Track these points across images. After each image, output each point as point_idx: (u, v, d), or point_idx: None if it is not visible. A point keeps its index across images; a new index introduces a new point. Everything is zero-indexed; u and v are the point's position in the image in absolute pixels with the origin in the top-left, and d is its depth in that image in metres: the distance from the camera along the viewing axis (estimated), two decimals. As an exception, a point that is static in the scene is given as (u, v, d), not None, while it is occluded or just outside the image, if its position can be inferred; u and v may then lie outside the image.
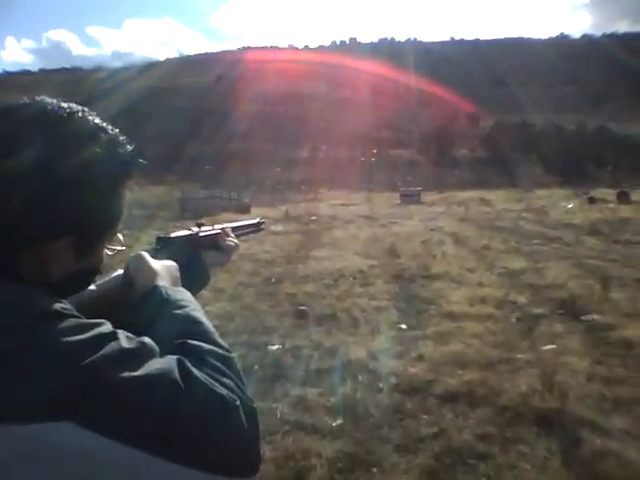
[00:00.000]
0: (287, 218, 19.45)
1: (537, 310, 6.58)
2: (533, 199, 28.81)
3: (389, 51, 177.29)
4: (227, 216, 19.77)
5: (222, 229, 1.13)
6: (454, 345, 5.34)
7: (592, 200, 25.29)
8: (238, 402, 0.66)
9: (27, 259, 0.72)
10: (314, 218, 19.88)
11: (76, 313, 0.68)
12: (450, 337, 5.63)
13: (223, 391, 0.66)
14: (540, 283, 8.11)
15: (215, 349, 0.73)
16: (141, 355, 0.66)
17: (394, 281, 8.61)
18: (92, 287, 0.87)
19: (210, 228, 1.10)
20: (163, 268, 0.91)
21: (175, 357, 0.67)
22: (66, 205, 0.71)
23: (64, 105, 0.75)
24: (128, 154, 0.80)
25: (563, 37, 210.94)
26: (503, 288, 7.83)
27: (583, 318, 6.10)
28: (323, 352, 5.23)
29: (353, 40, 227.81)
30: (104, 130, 0.78)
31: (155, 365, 0.65)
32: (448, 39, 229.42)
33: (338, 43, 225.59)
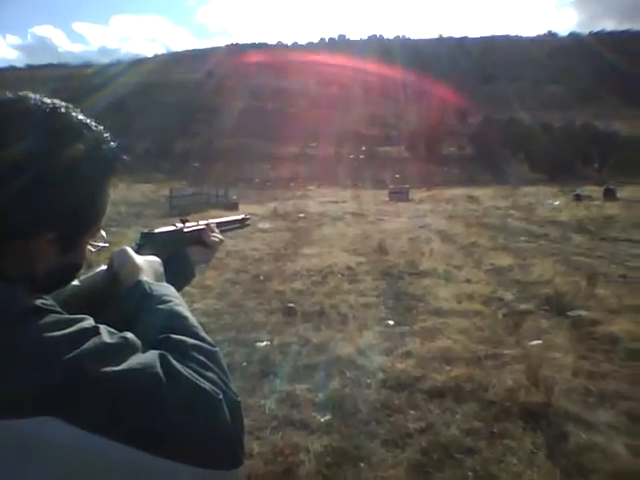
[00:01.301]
0: (275, 215, 19.41)
1: (523, 306, 6.64)
2: (520, 196, 28.97)
3: (378, 48, 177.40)
4: (215, 213, 19.70)
5: (207, 225, 1.13)
6: (441, 341, 5.38)
7: (578, 197, 25.47)
8: (221, 396, 0.66)
9: (10, 254, 0.71)
10: (302, 215, 19.87)
11: (58, 309, 0.68)
12: (437, 333, 5.66)
13: (206, 385, 0.66)
14: (527, 279, 8.18)
15: (199, 343, 0.73)
16: (123, 350, 0.65)
17: (382, 278, 8.64)
18: (76, 282, 0.86)
19: (194, 224, 1.10)
20: (146, 263, 0.91)
21: (157, 352, 0.67)
22: (50, 201, 0.71)
23: (47, 101, 0.75)
24: (112, 151, 0.80)
25: (550, 35, 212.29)
26: (490, 285, 7.89)
27: (569, 314, 6.17)
28: (311, 348, 5.24)
29: (342, 37, 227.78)
30: (88, 127, 0.78)
31: (137, 360, 0.65)
32: (436, 36, 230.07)
33: (327, 40, 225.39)
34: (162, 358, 0.66)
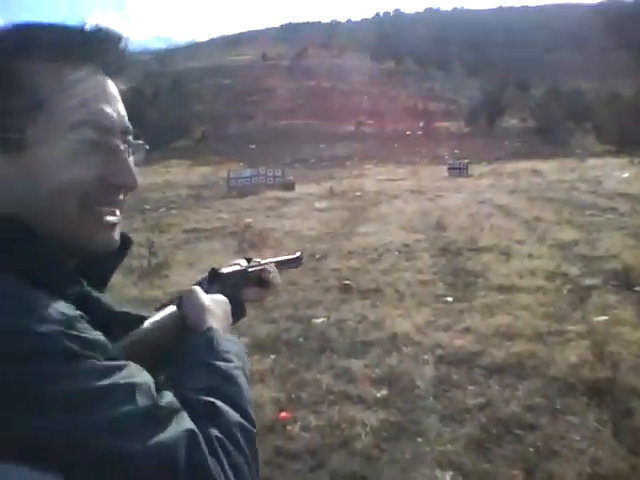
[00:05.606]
0: (331, 194, 19.36)
1: (589, 281, 6.40)
2: (586, 169, 27.75)
3: (435, 21, 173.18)
4: (272, 194, 19.88)
5: (267, 264, 1.13)
6: (502, 317, 5.26)
7: (649, 168, 24.16)
8: None
9: None
10: (359, 194, 19.74)
11: (89, 350, 0.58)
12: (498, 309, 5.54)
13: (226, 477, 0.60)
14: (593, 254, 7.86)
15: (243, 422, 0.67)
16: (150, 422, 0.58)
17: (440, 255, 8.51)
18: (146, 325, 0.78)
19: (257, 263, 1.11)
20: (217, 305, 0.85)
21: (188, 429, 0.60)
22: None
23: None
24: (33, 26, 0.69)
25: (617, 1, 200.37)
26: (554, 260, 7.63)
27: (637, 289, 5.90)
28: (368, 325, 5.24)
29: (397, 11, 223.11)
30: None
31: (160, 438, 0.57)
32: (496, 7, 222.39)
33: (382, 15, 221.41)
34: (189, 438, 0.59)
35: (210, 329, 0.77)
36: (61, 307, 0.59)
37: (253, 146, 55.26)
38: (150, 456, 0.56)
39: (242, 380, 0.73)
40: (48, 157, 0.65)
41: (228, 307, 0.89)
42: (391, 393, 3.78)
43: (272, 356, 4.44)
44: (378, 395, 3.76)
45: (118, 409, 0.56)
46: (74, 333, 0.58)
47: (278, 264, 1.18)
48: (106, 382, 0.57)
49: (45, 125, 0.65)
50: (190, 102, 66.76)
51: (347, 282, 6.75)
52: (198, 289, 0.85)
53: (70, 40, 0.69)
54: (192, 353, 0.74)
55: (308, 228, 11.57)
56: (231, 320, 0.89)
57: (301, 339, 4.88)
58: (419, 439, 3.21)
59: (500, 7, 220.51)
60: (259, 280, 1.09)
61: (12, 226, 0.63)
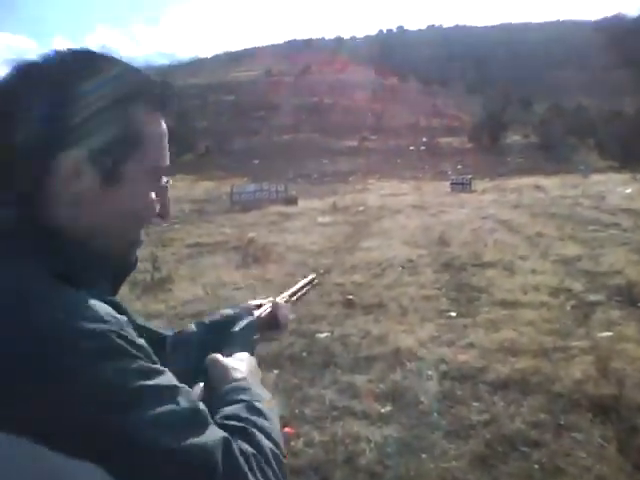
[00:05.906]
0: (334, 209, 19.39)
1: (593, 297, 6.39)
2: (589, 185, 27.77)
3: (437, 38, 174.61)
4: (275, 209, 19.93)
5: (276, 303, 1.10)
6: (506, 333, 5.25)
7: (652, 184, 24.16)
8: None
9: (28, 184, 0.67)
10: (362, 208, 19.77)
11: (136, 352, 0.61)
12: (502, 325, 5.53)
13: None
14: (596, 270, 7.85)
15: (275, 449, 0.69)
16: (191, 423, 0.61)
17: (444, 270, 8.50)
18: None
19: (266, 306, 1.09)
20: (240, 364, 0.87)
21: (222, 436, 0.63)
22: (61, 112, 0.68)
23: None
24: (135, 76, 0.78)
25: (619, 18, 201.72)
26: (558, 275, 7.62)
27: (642, 305, 5.89)
28: (371, 340, 5.23)
29: (400, 28, 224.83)
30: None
31: (200, 439, 0.60)
32: (497, 24, 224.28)
33: (385, 32, 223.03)
34: (225, 445, 0.62)
35: (240, 379, 0.81)
36: (110, 310, 0.63)
37: (256, 161, 55.47)
38: (187, 455, 0.58)
39: (272, 415, 0.75)
40: (131, 191, 0.74)
41: (253, 362, 0.91)
42: (395, 409, 3.77)
43: (275, 371, 4.43)
44: (382, 411, 3.75)
45: (162, 407, 0.59)
46: (124, 334, 0.61)
47: (292, 294, 1.17)
48: (152, 382, 0.60)
49: (136, 165, 0.75)
50: (193, 118, 67.13)
51: (350, 297, 6.75)
52: (218, 356, 0.87)
53: (163, 93, 0.80)
54: (224, 396, 0.76)
55: (311, 243, 11.59)
56: (260, 375, 0.90)
57: (305, 354, 4.87)
58: (423, 455, 3.19)
59: (502, 24, 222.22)
60: (271, 323, 1.09)
61: (65, 237, 0.68)
